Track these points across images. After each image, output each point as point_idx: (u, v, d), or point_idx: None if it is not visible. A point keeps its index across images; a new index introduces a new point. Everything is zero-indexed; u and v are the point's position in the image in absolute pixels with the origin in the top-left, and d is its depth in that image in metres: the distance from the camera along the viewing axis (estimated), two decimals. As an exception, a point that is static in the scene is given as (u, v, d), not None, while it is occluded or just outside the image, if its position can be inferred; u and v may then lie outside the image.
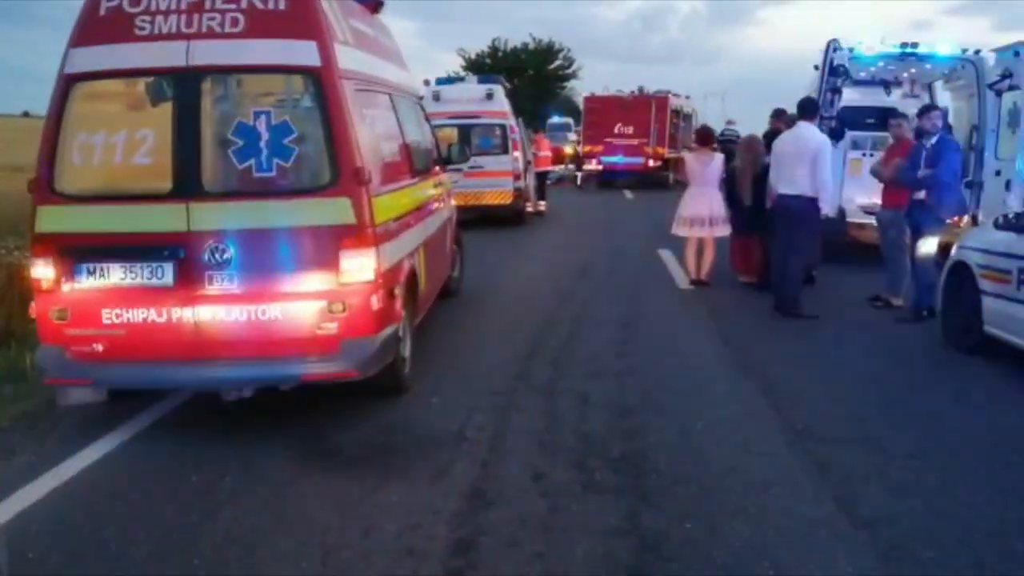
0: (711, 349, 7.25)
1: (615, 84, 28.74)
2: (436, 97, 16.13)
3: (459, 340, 7.57)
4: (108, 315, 5.03)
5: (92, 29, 5.12)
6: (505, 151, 16.09)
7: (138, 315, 5.03)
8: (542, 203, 18.91)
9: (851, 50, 11.37)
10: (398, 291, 5.64)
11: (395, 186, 6.11)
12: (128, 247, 5.05)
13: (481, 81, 17.51)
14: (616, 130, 26.82)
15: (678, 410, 5.65)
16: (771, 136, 10.11)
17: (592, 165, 27.60)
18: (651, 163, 26.71)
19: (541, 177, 19.16)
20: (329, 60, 5.17)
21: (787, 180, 8.40)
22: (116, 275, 5.03)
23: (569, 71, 54.71)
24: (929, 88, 13.57)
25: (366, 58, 6.09)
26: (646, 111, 26.59)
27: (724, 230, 10.00)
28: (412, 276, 6.28)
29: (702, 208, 9.93)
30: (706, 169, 9.96)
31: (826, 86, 11.12)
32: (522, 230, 16.22)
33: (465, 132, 15.99)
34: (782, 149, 8.57)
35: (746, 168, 9.97)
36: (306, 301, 5.13)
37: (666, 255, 12.36)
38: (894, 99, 13.51)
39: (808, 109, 8.53)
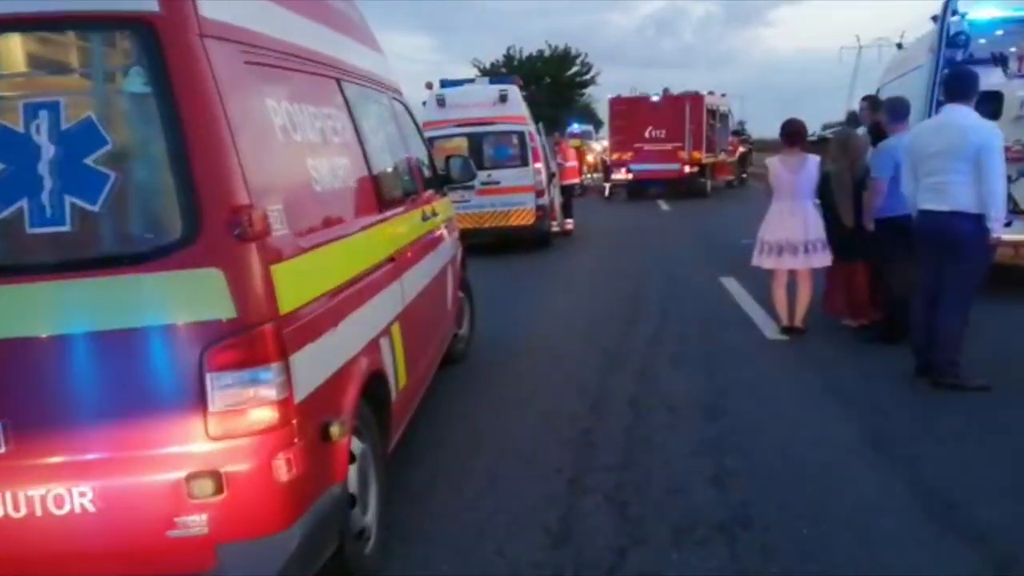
0: (860, 462, 4.58)
1: (633, 89, 26.09)
2: (441, 102, 13.69)
3: (464, 453, 4.98)
4: None
5: None
6: (524, 163, 13.53)
7: None
8: (569, 221, 16.27)
9: (964, 15, 8.77)
10: (339, 427, 3.06)
11: (337, 233, 3.56)
12: None
13: (493, 82, 14.97)
14: (647, 134, 24.17)
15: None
16: (874, 132, 7.50)
17: (621, 174, 24.94)
18: (687, 169, 24.01)
19: (567, 191, 16.54)
20: (180, 1, 2.67)
21: (933, 190, 5.76)
22: None
23: (587, 77, 52.48)
24: (1041, 66, 10.90)
25: (275, 10, 3.54)
26: (679, 112, 23.88)
27: (824, 258, 7.33)
28: (376, 381, 3.72)
29: (795, 230, 7.28)
30: (798, 177, 7.31)
31: (942, 61, 8.49)
32: (547, 256, 13.64)
33: (476, 142, 13.53)
34: (921, 146, 5.91)
35: (843, 176, 7.34)
36: (143, 476, 2.62)
37: (732, 286, 9.76)
38: (996, 80, 10.87)
39: (962, 88, 5.83)
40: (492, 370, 6.73)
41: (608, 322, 8.28)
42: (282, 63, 3.40)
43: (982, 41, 9.62)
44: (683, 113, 23.83)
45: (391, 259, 4.32)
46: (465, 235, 7.91)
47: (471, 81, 15.26)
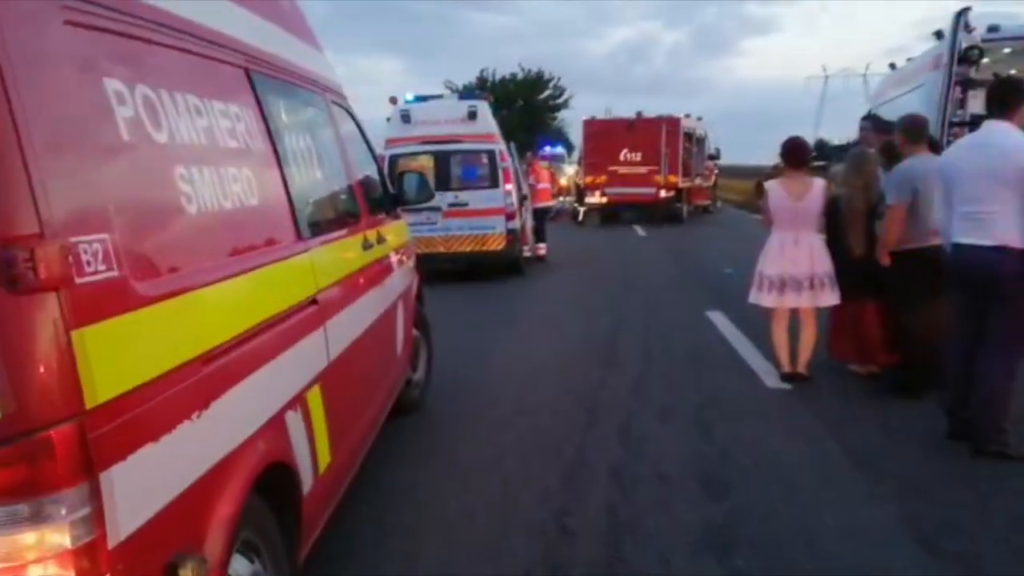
0: (907, 564, 3.55)
1: (607, 112, 25.32)
2: (406, 117, 12.74)
3: (406, 544, 3.95)
4: None
5: None
6: (494, 183, 12.61)
7: None
8: (542, 246, 15.34)
9: (973, 31, 7.97)
10: (195, 567, 2.05)
11: (221, 272, 2.55)
12: None
13: (462, 98, 14.06)
14: (622, 157, 23.37)
15: None
16: (889, 152, 6.61)
17: (595, 198, 24.05)
18: (663, 194, 23.21)
19: (540, 215, 15.60)
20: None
21: (972, 221, 4.87)
22: None
23: (560, 101, 51.98)
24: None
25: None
26: (655, 135, 23.09)
27: (832, 296, 6.43)
28: (277, 473, 2.72)
29: (798, 263, 6.38)
30: (802, 204, 6.41)
31: (954, 77, 7.69)
32: (518, 284, 12.68)
33: (443, 161, 12.59)
34: (957, 169, 5.03)
35: (856, 199, 6.46)
36: None
37: (720, 321, 8.87)
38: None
39: (1007, 100, 4.96)
40: (449, 424, 5.73)
41: (585, 364, 7.31)
42: (140, 32, 2.40)
43: (985, 60, 8.88)
44: (659, 136, 23.07)
45: (312, 301, 3.33)
46: (428, 260, 6.95)
47: (439, 97, 14.31)
